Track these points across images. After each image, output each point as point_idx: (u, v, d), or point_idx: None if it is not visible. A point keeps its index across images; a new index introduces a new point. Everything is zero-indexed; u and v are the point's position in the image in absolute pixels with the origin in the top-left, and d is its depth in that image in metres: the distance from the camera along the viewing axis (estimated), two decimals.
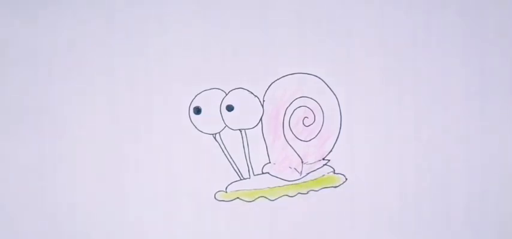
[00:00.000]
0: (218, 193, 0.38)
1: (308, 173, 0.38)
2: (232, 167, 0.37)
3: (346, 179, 0.38)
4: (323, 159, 0.38)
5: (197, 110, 0.37)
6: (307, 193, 0.38)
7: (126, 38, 0.36)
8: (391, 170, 0.38)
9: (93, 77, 0.36)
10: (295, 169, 0.38)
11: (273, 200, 0.38)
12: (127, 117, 0.37)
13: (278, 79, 0.37)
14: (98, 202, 0.37)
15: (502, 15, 0.38)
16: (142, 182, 0.37)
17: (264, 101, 0.37)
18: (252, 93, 0.37)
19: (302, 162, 0.38)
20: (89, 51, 0.36)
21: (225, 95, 0.37)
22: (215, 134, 0.37)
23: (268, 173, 0.38)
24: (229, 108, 0.37)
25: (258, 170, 0.38)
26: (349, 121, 0.38)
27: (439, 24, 0.38)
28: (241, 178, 0.38)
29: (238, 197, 0.38)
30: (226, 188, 0.38)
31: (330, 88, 0.37)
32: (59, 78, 0.36)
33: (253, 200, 0.38)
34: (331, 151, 0.38)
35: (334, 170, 0.38)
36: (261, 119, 0.37)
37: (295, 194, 0.38)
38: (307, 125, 0.38)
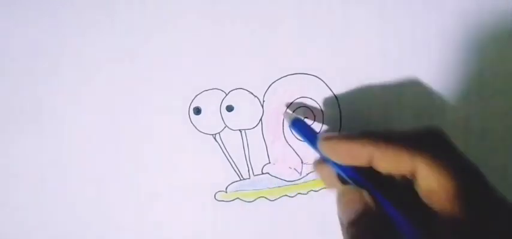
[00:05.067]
0: (218, 193, 0.38)
1: (308, 174, 0.38)
2: (232, 167, 0.37)
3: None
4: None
5: (197, 111, 0.37)
6: (307, 193, 0.38)
7: (126, 37, 0.36)
8: None
9: (92, 77, 0.36)
10: (295, 169, 0.38)
11: (273, 201, 0.38)
12: (126, 118, 0.37)
13: (278, 79, 0.37)
14: (97, 203, 0.37)
15: (502, 14, 0.38)
16: (141, 182, 0.37)
17: (264, 101, 0.37)
18: (252, 93, 0.37)
19: (302, 162, 0.38)
20: (88, 50, 0.36)
21: (225, 95, 0.37)
22: (215, 134, 0.37)
23: (268, 173, 0.38)
24: (229, 108, 0.37)
25: (258, 171, 0.38)
26: (349, 121, 0.38)
27: (439, 24, 0.37)
28: (241, 178, 0.38)
29: (238, 198, 0.38)
30: (226, 189, 0.38)
31: (329, 88, 0.37)
32: (59, 78, 0.36)
33: (253, 201, 0.38)
34: None
35: None
36: (260, 119, 0.37)
37: (295, 194, 0.38)
38: None
